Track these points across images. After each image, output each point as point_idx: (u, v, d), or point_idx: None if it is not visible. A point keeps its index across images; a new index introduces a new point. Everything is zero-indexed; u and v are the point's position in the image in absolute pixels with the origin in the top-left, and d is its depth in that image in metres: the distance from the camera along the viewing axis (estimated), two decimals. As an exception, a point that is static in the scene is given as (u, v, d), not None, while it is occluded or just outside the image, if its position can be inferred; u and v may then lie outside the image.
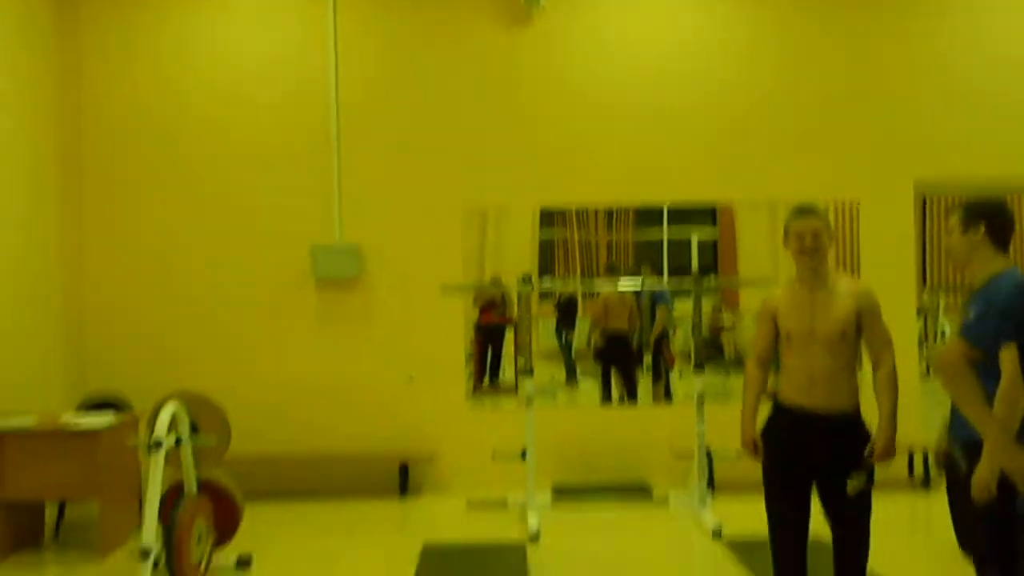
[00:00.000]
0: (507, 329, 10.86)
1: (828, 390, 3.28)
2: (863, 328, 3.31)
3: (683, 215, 12.74)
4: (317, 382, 6.41)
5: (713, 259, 12.09)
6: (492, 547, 5.08)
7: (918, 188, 6.53)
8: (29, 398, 5.69)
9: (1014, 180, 6.83)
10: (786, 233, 3.40)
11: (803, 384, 3.31)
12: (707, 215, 12.70)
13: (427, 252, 6.46)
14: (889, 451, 3.22)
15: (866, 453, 3.22)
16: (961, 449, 2.93)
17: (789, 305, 3.39)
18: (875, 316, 3.33)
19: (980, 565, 2.94)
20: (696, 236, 12.70)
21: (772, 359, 3.51)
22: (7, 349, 5.59)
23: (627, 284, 9.65)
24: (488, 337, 8.72)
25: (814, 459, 3.30)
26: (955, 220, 3.10)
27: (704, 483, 5.69)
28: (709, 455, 5.88)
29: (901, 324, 6.47)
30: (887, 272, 6.38)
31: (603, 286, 9.21)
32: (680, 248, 12.66)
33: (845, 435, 3.27)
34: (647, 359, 9.50)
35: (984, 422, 2.43)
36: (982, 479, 2.68)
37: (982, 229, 2.95)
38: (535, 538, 5.17)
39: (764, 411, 3.44)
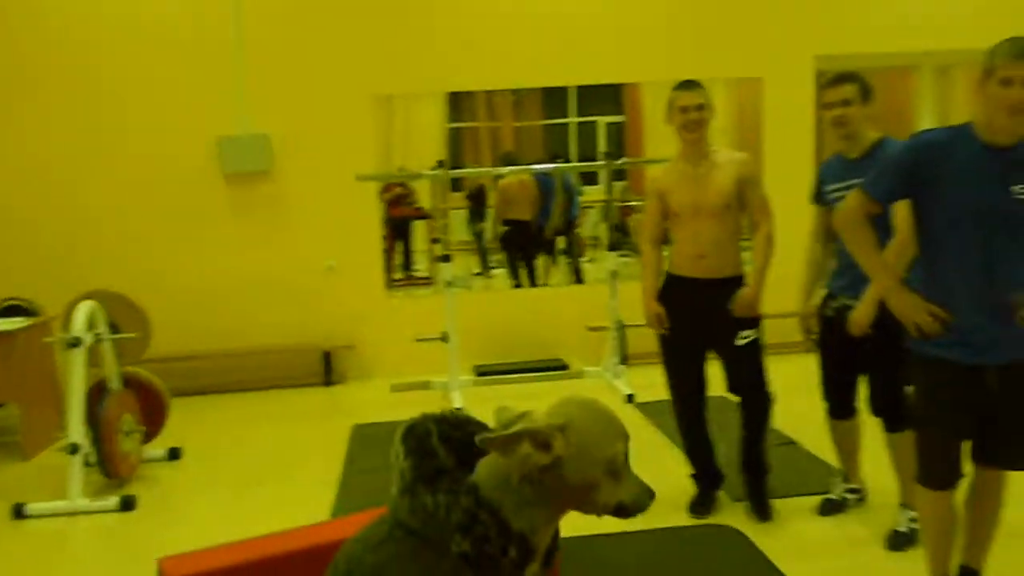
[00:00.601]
0: (414, 222, 10.86)
1: (715, 259, 3.48)
2: (743, 196, 3.48)
3: (590, 98, 12.80)
4: (234, 277, 6.35)
5: (620, 143, 12.25)
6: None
7: (818, 65, 6.73)
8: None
9: (909, 57, 7.10)
10: (670, 108, 3.51)
11: (692, 255, 3.50)
12: (613, 98, 12.80)
13: (337, 141, 6.37)
14: (752, 304, 3.47)
15: (729, 304, 3.47)
16: (832, 297, 3.39)
17: (674, 182, 3.53)
18: (755, 184, 3.52)
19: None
20: (603, 119, 12.82)
21: (663, 236, 3.69)
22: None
23: (535, 169, 9.73)
24: (397, 230, 8.73)
25: (705, 323, 3.52)
26: (853, 91, 3.28)
27: (617, 355, 5.97)
28: (622, 329, 6.14)
29: (802, 196, 6.77)
30: (788, 147, 6.64)
31: (513, 174, 9.26)
32: (588, 132, 12.76)
33: (730, 297, 3.48)
34: (560, 243, 9.70)
35: (875, 267, 2.65)
36: (860, 316, 3.02)
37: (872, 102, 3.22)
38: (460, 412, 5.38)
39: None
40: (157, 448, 4.85)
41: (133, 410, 4.59)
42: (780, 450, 4.18)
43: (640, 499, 1.10)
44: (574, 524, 2.04)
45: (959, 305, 2.49)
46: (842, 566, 3.18)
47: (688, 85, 3.49)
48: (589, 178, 10.75)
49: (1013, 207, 2.41)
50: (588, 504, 1.12)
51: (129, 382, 4.67)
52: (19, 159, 6.17)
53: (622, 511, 1.11)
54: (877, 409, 3.36)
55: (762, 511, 3.55)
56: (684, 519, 3.54)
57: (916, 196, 2.54)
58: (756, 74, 6.77)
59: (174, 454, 4.86)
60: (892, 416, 3.30)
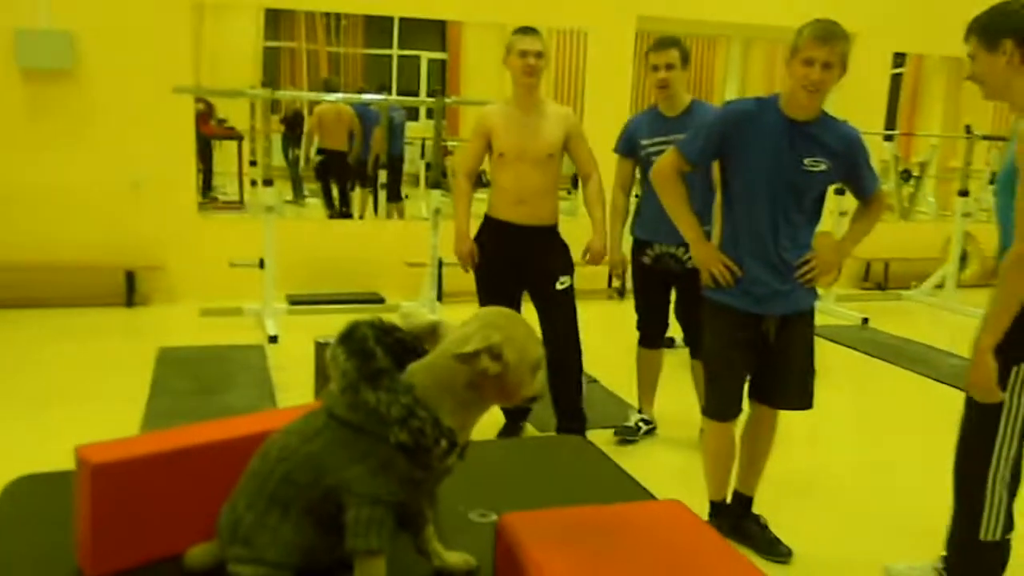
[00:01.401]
0: (219, 143, 10.38)
1: (534, 206, 3.63)
2: (571, 149, 3.67)
3: (413, 33, 12.64)
4: (30, 184, 5.85)
5: (442, 80, 12.23)
6: (231, 348, 5.17)
7: (640, 25, 7.05)
8: None
9: (721, 27, 7.60)
10: (508, 51, 3.59)
11: (512, 200, 3.62)
12: (437, 34, 12.71)
13: (150, 47, 5.97)
14: (601, 254, 3.73)
15: (582, 256, 3.71)
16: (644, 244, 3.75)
17: (504, 125, 3.62)
18: (581, 138, 3.72)
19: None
20: (426, 55, 12.72)
21: (478, 174, 3.84)
22: None
23: (361, 99, 9.55)
24: (201, 150, 8.30)
25: (521, 267, 3.69)
26: (676, 56, 3.55)
27: (434, 292, 6.09)
28: (440, 267, 6.26)
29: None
30: (607, 100, 6.94)
31: (338, 101, 9.06)
32: (410, 67, 12.63)
33: (547, 245, 3.69)
34: (381, 177, 9.63)
35: (683, 220, 2.92)
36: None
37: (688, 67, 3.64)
38: (274, 340, 5.33)
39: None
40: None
41: (-89, 321, 4.21)
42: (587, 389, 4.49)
43: (541, 388, 1.31)
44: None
45: (746, 260, 2.80)
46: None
47: (528, 31, 3.59)
48: (411, 114, 10.71)
49: (801, 177, 2.72)
50: (513, 399, 1.29)
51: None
52: None
53: (534, 399, 1.32)
54: (688, 339, 3.84)
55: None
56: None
57: (723, 159, 2.83)
58: (582, 26, 6.99)
59: (-42, 370, 4.51)
60: (695, 345, 3.71)
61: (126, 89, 5.97)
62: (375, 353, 1.25)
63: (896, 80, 9.79)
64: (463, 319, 1.31)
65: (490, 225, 3.73)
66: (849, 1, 6.85)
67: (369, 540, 1.23)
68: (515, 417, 3.99)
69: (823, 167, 2.71)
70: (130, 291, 6.11)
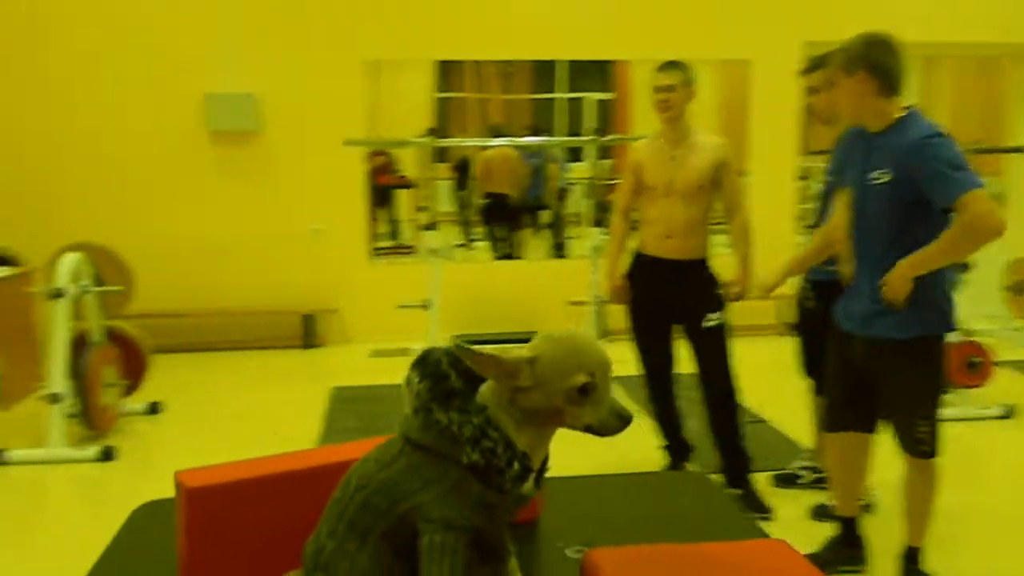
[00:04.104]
0: (397, 192, 10.88)
1: (682, 240, 3.53)
2: (719, 181, 3.54)
3: (579, 74, 12.78)
4: (218, 236, 6.37)
5: (607, 120, 12.27)
6: (399, 388, 5.32)
7: (807, 50, 6.78)
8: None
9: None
10: (651, 87, 3.57)
11: (660, 234, 3.55)
12: (602, 75, 12.79)
13: (326, 105, 6.38)
14: (743, 292, 3.57)
15: (723, 292, 3.55)
16: (810, 288, 3.43)
17: (651, 159, 3.57)
18: (730, 170, 3.58)
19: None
20: (591, 95, 12.82)
21: (633, 210, 3.76)
22: None
23: (519, 143, 9.75)
24: (380, 199, 8.75)
25: (670, 303, 3.60)
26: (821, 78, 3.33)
27: (594, 330, 6.05)
28: (601, 305, 6.22)
29: (781, 182, 6.89)
30: (774, 132, 6.72)
31: (496, 146, 9.28)
32: (577, 108, 12.76)
33: (695, 280, 3.56)
34: (544, 217, 9.75)
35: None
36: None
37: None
38: (438, 380, 5.46)
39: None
40: (137, 402, 4.89)
41: (114, 363, 4.63)
42: (750, 428, 4.29)
43: (607, 422, 1.22)
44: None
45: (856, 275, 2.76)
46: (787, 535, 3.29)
47: (664, 66, 3.54)
48: (576, 155, 10.80)
49: (867, 192, 2.62)
50: (564, 423, 1.26)
51: (111, 336, 4.70)
52: (6, 111, 6.14)
53: (592, 431, 1.24)
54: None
55: (755, 507, 3.55)
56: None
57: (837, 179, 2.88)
58: (745, 56, 6.82)
59: (154, 408, 4.90)
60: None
61: (304, 145, 6.38)
62: (448, 375, 1.26)
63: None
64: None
65: (639, 261, 3.67)
66: None
67: (442, 567, 1.21)
68: (677, 457, 3.88)
69: (886, 179, 2.55)
70: (307, 333, 6.46)
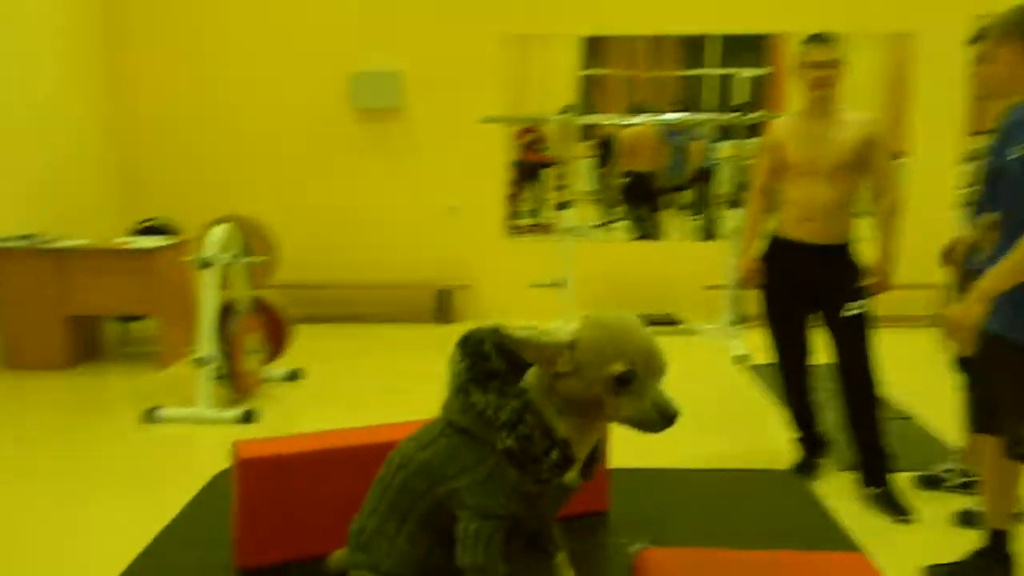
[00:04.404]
0: (545, 170, 10.88)
1: (824, 223, 3.32)
2: (867, 160, 3.30)
3: (731, 49, 12.32)
4: (359, 211, 6.56)
5: (759, 96, 11.78)
6: (527, 367, 5.33)
7: (976, 24, 6.26)
8: (85, 228, 5.94)
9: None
10: (799, 62, 3.34)
11: (800, 216, 3.35)
12: (755, 49, 12.29)
13: (467, 81, 6.43)
14: (884, 283, 3.31)
15: (862, 284, 3.31)
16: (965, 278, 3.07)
17: (793, 136, 3.37)
18: (879, 148, 3.31)
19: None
20: (743, 71, 12.34)
21: (773, 190, 3.55)
22: (63, 183, 5.81)
23: (662, 120, 9.51)
24: (528, 176, 8.76)
25: (808, 289, 3.39)
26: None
27: (733, 315, 5.85)
28: (739, 289, 6.00)
29: (943, 164, 6.41)
30: (937, 109, 6.25)
31: (637, 124, 9.09)
32: (728, 85, 12.31)
33: (836, 266, 3.34)
34: (686, 197, 9.50)
35: None
36: None
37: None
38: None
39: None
40: (279, 368, 5.11)
41: (258, 331, 4.84)
42: (894, 424, 4.03)
43: (647, 416, 1.11)
44: (629, 456, 2.06)
45: None
46: (912, 540, 3.06)
47: (819, 39, 3.31)
48: (726, 133, 10.43)
49: (1001, 169, 2.42)
50: (603, 415, 1.17)
51: (256, 304, 4.92)
52: (167, 92, 6.52)
53: (633, 424, 1.14)
54: None
55: (893, 507, 3.34)
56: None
57: None
58: (909, 29, 6.36)
59: (294, 375, 5.11)
60: None
61: (445, 121, 6.46)
62: (489, 355, 1.19)
63: None
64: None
65: (776, 244, 3.49)
66: None
67: (476, 555, 1.16)
68: (811, 452, 3.70)
69: (1018, 154, 2.32)
70: (441, 308, 6.56)
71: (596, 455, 1.25)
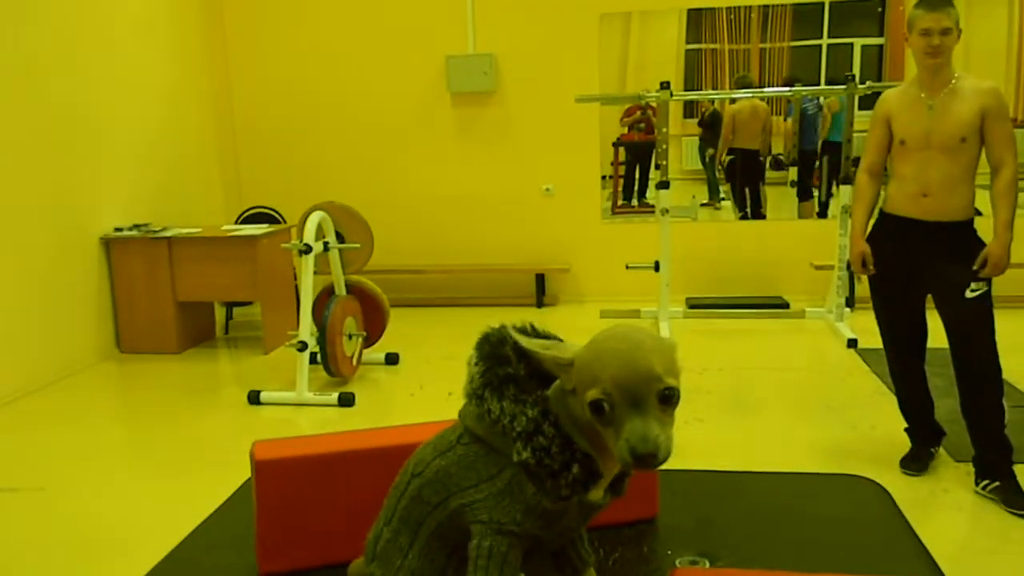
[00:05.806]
0: (649, 147, 10.68)
1: (941, 199, 3.09)
2: (985, 130, 3.05)
3: (845, 18, 11.75)
4: (455, 196, 6.57)
5: (878, 68, 11.20)
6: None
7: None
8: (193, 217, 6.16)
9: None
10: (910, 27, 3.13)
11: (915, 192, 3.13)
12: (873, 18, 11.68)
13: (562, 62, 6.33)
14: (1000, 264, 3.05)
15: (976, 265, 3.06)
16: None
17: (904, 108, 3.15)
18: (1000, 118, 3.05)
19: None
20: (860, 42, 11.76)
21: (884, 168, 3.32)
22: (176, 177, 6.04)
23: (766, 94, 9.14)
24: (637, 156, 8.59)
25: (924, 271, 3.17)
26: None
27: (842, 296, 5.58)
28: (849, 269, 5.72)
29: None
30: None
31: (746, 99, 8.77)
32: (842, 56, 11.76)
33: (956, 245, 3.11)
34: (791, 174, 9.14)
35: None
36: None
37: None
38: (667, 342, 5.29)
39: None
40: (377, 353, 5.17)
41: (356, 315, 4.91)
42: (1015, 413, 3.74)
43: (619, 452, 0.96)
44: (714, 443, 1.94)
45: None
46: (989, 545, 2.82)
47: (930, 4, 3.07)
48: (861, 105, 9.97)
49: None
50: (600, 445, 1.04)
51: (353, 289, 4.99)
52: (269, 83, 6.68)
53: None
54: None
55: (1014, 499, 3.11)
56: (886, 472, 3.31)
57: None
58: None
59: (391, 359, 5.16)
60: None
61: (539, 103, 6.38)
62: (509, 359, 1.08)
63: None
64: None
65: (886, 222, 3.27)
66: None
67: (489, 574, 1.06)
68: (924, 442, 3.47)
69: None
70: (540, 292, 6.51)
71: (628, 470, 1.12)
